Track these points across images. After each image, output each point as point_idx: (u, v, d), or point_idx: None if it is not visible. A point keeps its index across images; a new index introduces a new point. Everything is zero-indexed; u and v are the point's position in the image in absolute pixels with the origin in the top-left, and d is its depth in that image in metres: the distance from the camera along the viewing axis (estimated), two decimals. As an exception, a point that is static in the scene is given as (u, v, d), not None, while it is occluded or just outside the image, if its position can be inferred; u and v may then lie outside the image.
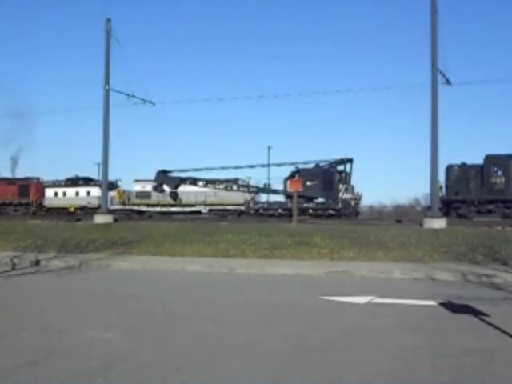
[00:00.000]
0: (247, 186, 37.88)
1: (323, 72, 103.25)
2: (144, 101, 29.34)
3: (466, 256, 12.64)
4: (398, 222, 27.05)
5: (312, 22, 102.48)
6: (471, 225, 22.36)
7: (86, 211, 38.87)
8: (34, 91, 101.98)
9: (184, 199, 38.99)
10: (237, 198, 38.31)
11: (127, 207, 41.51)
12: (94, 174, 50.96)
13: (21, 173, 58.08)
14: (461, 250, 13.38)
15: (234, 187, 37.37)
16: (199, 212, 39.55)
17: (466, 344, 5.50)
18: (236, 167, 35.83)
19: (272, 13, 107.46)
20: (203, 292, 9.25)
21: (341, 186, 34.67)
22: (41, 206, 44.73)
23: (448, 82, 23.41)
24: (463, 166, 30.36)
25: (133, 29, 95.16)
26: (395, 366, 4.81)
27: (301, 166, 35.26)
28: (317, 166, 35.30)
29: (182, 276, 11.49)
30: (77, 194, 44.46)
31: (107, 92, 28.01)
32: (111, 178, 34.35)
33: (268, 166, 43.31)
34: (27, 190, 44.68)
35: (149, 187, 40.59)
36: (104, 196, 29.23)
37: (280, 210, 35.85)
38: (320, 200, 35.64)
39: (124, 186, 44.60)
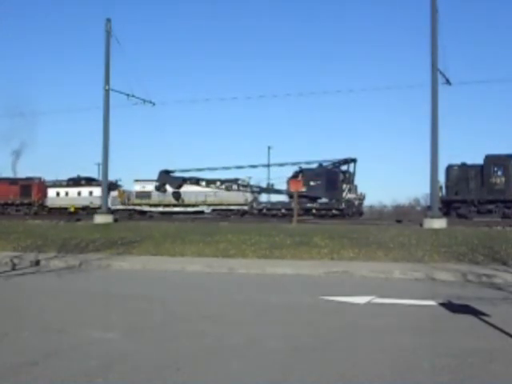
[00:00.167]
0: (250, 186, 37.81)
1: (323, 72, 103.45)
2: (144, 101, 29.38)
3: (466, 256, 12.64)
4: (398, 221, 27.05)
5: (312, 22, 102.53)
6: (471, 225, 22.36)
7: (89, 211, 38.83)
8: (35, 91, 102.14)
9: (186, 199, 38.98)
10: (237, 197, 38.29)
11: (129, 207, 41.48)
12: (94, 173, 50.95)
13: (22, 172, 58.09)
14: (461, 250, 13.38)
15: (234, 187, 37.34)
16: (202, 212, 39.52)
17: (466, 344, 5.50)
18: (238, 167, 35.79)
19: (272, 13, 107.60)
20: (203, 292, 9.25)
21: (344, 185, 34.57)
22: (43, 206, 44.67)
23: (448, 82, 23.45)
24: (463, 165, 30.34)
25: (133, 29, 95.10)
26: (395, 366, 4.81)
27: (304, 166, 35.23)
28: (320, 165, 35.21)
29: (181, 276, 11.49)
30: (79, 194, 44.40)
31: (107, 92, 28.03)
32: (111, 178, 34.40)
33: (268, 166, 43.29)
34: (29, 190, 44.60)
35: (149, 187, 40.55)
36: (104, 196, 29.22)
37: (283, 210, 35.77)
38: (323, 200, 35.57)
39: (124, 185, 44.68)
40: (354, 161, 34.83)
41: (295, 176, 34.91)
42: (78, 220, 29.57)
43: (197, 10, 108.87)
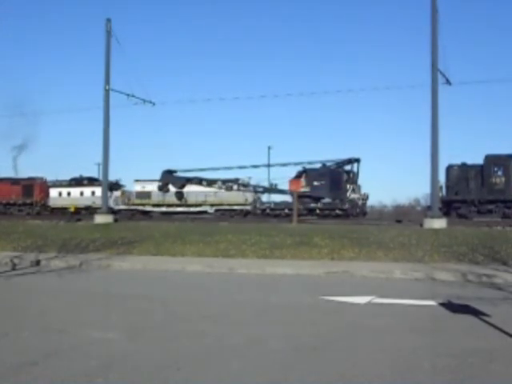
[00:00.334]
0: (253, 186, 37.77)
1: (324, 72, 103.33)
2: (144, 101, 29.37)
3: (466, 256, 12.64)
4: (398, 222, 27.05)
5: (312, 22, 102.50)
6: (471, 225, 22.37)
7: (91, 211, 38.81)
8: (35, 91, 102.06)
9: (189, 199, 38.96)
10: (237, 197, 38.29)
11: (132, 207, 41.46)
12: (95, 173, 50.93)
13: (23, 172, 58.03)
14: (461, 249, 13.38)
15: (235, 187, 37.33)
16: (205, 212, 39.49)
17: (466, 344, 5.50)
18: (240, 167, 35.75)
19: (272, 13, 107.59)
20: (203, 292, 9.26)
21: (348, 185, 34.53)
22: (45, 206, 44.64)
23: (448, 82, 23.45)
24: (463, 166, 30.35)
25: (133, 29, 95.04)
26: (395, 366, 4.81)
27: (307, 166, 35.18)
28: (324, 165, 35.14)
29: (182, 276, 11.50)
30: (81, 193, 44.33)
31: (107, 92, 28.04)
32: (111, 177, 34.36)
33: (268, 166, 43.25)
34: (31, 190, 44.55)
35: (149, 187, 40.54)
36: (104, 196, 29.21)
37: (286, 210, 35.63)
38: (327, 200, 35.52)
39: (125, 186, 44.66)
40: (357, 161, 34.77)
41: (299, 176, 34.88)
42: (79, 220, 29.58)
43: (197, 10, 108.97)
